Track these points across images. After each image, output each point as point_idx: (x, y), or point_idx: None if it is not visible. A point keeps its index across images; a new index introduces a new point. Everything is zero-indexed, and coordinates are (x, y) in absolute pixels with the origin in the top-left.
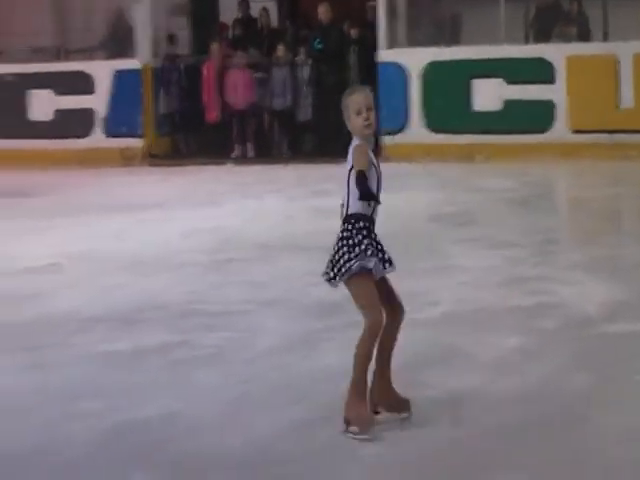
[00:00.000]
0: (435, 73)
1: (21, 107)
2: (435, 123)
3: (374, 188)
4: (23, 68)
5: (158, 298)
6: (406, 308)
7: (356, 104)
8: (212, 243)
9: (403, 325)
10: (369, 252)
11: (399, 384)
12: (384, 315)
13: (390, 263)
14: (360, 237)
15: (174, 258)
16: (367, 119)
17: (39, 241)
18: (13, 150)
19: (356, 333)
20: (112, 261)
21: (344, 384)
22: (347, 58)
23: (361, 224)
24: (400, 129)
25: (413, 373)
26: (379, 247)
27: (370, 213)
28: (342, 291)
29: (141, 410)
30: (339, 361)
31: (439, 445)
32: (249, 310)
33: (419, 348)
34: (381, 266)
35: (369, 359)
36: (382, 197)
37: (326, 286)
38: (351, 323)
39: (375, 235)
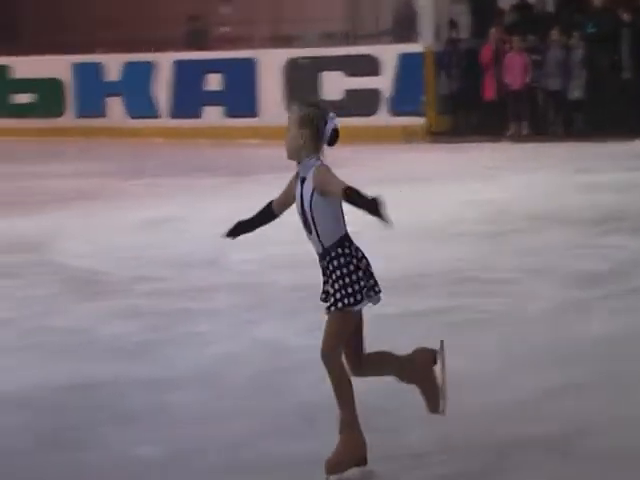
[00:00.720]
0: None
1: (314, 87)
2: None
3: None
4: (316, 52)
5: (434, 265)
6: None
7: None
8: (486, 214)
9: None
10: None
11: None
12: None
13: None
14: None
15: (451, 228)
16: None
17: None
18: None
19: (628, 302)
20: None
21: (611, 350)
22: (619, 41)
23: None
24: None
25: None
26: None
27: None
28: (609, 262)
29: None
30: (608, 327)
31: None
32: (519, 278)
33: None
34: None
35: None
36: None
37: (593, 257)
38: (623, 292)
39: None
